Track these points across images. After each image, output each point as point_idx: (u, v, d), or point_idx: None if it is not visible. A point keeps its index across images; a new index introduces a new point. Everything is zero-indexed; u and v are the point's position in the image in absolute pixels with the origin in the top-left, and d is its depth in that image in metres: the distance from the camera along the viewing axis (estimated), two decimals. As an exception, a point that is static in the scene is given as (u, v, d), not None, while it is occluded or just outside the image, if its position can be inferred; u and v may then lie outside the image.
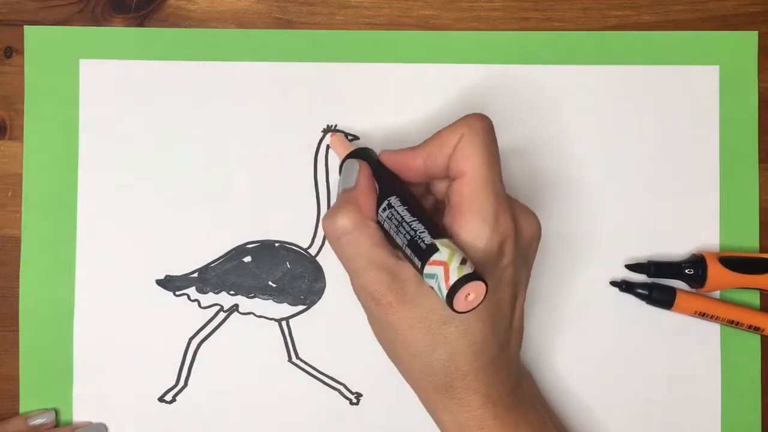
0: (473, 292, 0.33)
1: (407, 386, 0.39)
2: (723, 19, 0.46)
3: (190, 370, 0.45)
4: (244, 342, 0.45)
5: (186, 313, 0.45)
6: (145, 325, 0.45)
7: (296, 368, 0.45)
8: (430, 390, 0.38)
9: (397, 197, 0.37)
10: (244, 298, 0.45)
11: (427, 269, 0.34)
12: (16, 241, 0.45)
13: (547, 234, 0.45)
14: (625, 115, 0.45)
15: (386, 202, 0.37)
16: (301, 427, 0.45)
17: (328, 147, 0.45)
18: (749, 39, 0.45)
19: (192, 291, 0.45)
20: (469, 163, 0.36)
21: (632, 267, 0.44)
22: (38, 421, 0.44)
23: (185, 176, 0.45)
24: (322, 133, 0.45)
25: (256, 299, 0.45)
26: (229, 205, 0.45)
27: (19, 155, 0.45)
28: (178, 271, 0.45)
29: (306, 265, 0.45)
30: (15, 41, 0.45)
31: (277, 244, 0.45)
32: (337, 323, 0.45)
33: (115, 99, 0.45)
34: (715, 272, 0.43)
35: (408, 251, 0.35)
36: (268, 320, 0.45)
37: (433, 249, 0.34)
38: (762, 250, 0.45)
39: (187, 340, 0.45)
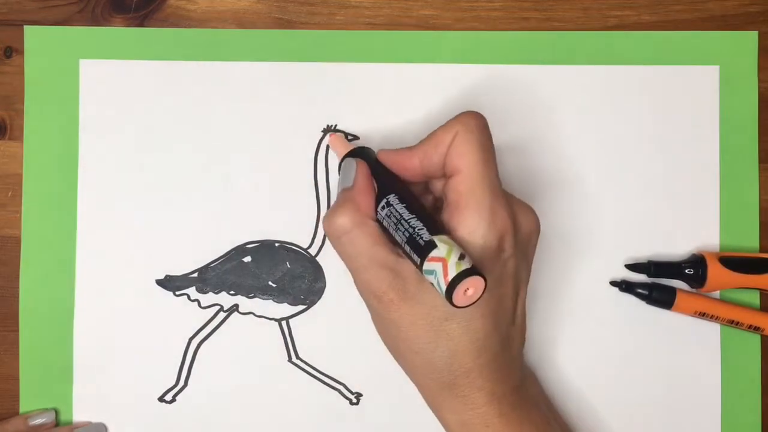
0: (472, 287, 0.33)
1: (407, 386, 0.39)
2: (723, 19, 0.46)
3: (190, 370, 0.45)
4: (244, 342, 0.45)
5: (186, 313, 0.45)
6: (145, 325, 0.45)
7: (296, 368, 0.45)
8: (434, 388, 0.38)
9: (396, 195, 0.37)
10: (244, 298, 0.45)
11: (426, 266, 0.34)
12: (16, 241, 0.45)
13: (548, 234, 0.45)
14: (625, 115, 0.45)
15: (385, 200, 0.37)
16: (301, 427, 0.45)
17: (328, 147, 0.45)
18: (749, 39, 0.45)
19: (192, 291, 0.45)
20: (464, 160, 0.36)
21: (632, 267, 0.44)
22: (38, 421, 0.44)
23: (185, 176, 0.45)
24: (322, 133, 0.45)
25: (256, 299, 0.45)
26: (229, 206, 0.45)
27: (19, 155, 0.45)
28: (178, 271, 0.45)
29: (306, 265, 0.45)
30: (15, 41, 0.45)
31: (277, 244, 0.45)
32: (337, 323, 0.45)
33: (115, 99, 0.45)
34: (715, 272, 0.43)
35: (407, 248, 0.36)
36: (268, 320, 0.45)
37: (432, 245, 0.34)
38: (762, 250, 0.45)
39: (187, 340, 0.45)
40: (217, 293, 0.45)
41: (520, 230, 0.38)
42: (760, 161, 0.45)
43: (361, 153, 0.41)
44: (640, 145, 0.45)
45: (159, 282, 0.45)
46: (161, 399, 0.45)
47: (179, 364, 0.45)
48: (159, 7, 0.45)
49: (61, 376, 0.45)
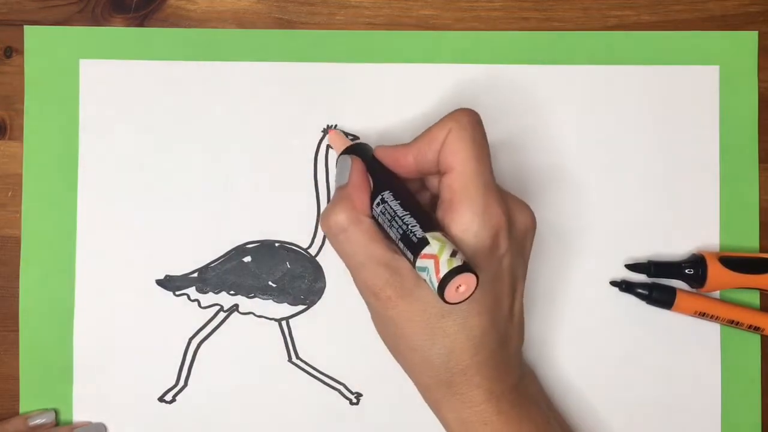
0: (464, 284, 0.33)
1: (407, 386, 0.39)
2: (723, 19, 0.46)
3: (190, 370, 0.45)
4: (244, 342, 0.45)
5: (186, 313, 0.45)
6: (145, 325, 0.45)
7: (296, 368, 0.45)
8: (432, 386, 0.38)
9: (391, 192, 0.37)
10: (244, 298, 0.45)
11: (419, 263, 0.34)
12: (16, 241, 0.45)
13: (548, 234, 0.45)
14: (625, 115, 0.45)
15: (380, 197, 0.37)
16: (301, 427, 0.45)
17: (328, 147, 0.45)
18: (749, 39, 0.45)
19: (192, 291, 0.45)
20: (458, 157, 0.37)
21: (632, 267, 0.44)
22: (38, 421, 0.44)
23: (185, 176, 0.45)
24: (322, 133, 0.45)
25: (256, 299, 0.45)
26: (229, 205, 0.45)
27: (19, 155, 0.45)
28: (178, 271, 0.45)
29: (306, 265, 0.45)
30: (15, 41, 0.45)
31: (277, 244, 0.45)
32: (337, 323, 0.45)
33: (115, 99, 0.45)
34: (715, 272, 0.43)
35: (401, 245, 0.36)
36: (268, 320, 0.45)
37: (424, 242, 0.34)
38: (762, 250, 0.45)
39: (187, 340, 0.45)
40: (217, 293, 0.45)
41: (516, 226, 0.38)
42: (760, 161, 0.45)
43: (358, 149, 0.41)
44: (640, 145, 0.45)
45: (159, 282, 0.45)
46: (161, 399, 0.45)
47: (179, 364, 0.45)
48: (159, 7, 0.45)
49: (61, 376, 0.45)
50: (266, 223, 0.45)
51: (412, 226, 0.35)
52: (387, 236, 0.37)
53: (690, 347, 0.45)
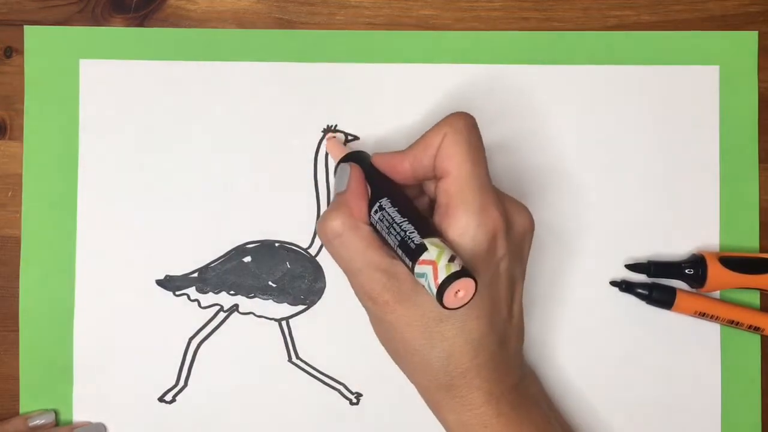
0: (463, 289, 0.33)
1: (407, 386, 0.39)
2: (723, 19, 0.46)
3: (190, 370, 0.45)
4: (244, 342, 0.45)
5: (186, 313, 0.45)
6: (145, 325, 0.45)
7: (296, 368, 0.45)
8: (432, 389, 0.38)
9: (388, 199, 0.37)
10: (244, 298, 0.45)
11: (417, 269, 0.34)
12: (16, 241, 0.45)
13: (547, 234, 0.45)
14: (625, 115, 0.45)
15: (378, 204, 0.37)
16: (301, 427, 0.45)
17: (328, 147, 0.45)
18: (749, 39, 0.45)
19: (192, 291, 0.45)
20: (453, 161, 0.36)
21: (632, 267, 0.44)
22: (38, 421, 0.44)
23: (185, 176, 0.45)
24: (322, 133, 0.45)
25: (256, 299, 0.45)
26: (229, 206, 0.45)
27: (19, 155, 0.45)
28: (178, 271, 0.45)
29: (306, 265, 0.45)
30: (15, 41, 0.45)
31: (277, 244, 0.45)
32: (337, 323, 0.45)
33: (115, 99, 0.45)
34: (715, 272, 0.43)
35: (399, 252, 0.36)
36: (268, 320, 0.45)
37: (422, 248, 0.34)
38: (762, 250, 0.45)
39: (187, 340, 0.45)
40: (217, 293, 0.45)
41: (513, 229, 0.38)
42: (760, 161, 0.45)
43: (356, 157, 0.41)
44: (640, 145, 0.45)
45: (159, 282, 0.45)
46: (161, 399, 0.45)
47: (179, 364, 0.45)
48: (159, 7, 0.45)
49: (61, 376, 0.45)
50: (266, 223, 0.45)
51: (410, 233, 0.35)
52: (386, 243, 0.37)
53: (690, 347, 0.45)
